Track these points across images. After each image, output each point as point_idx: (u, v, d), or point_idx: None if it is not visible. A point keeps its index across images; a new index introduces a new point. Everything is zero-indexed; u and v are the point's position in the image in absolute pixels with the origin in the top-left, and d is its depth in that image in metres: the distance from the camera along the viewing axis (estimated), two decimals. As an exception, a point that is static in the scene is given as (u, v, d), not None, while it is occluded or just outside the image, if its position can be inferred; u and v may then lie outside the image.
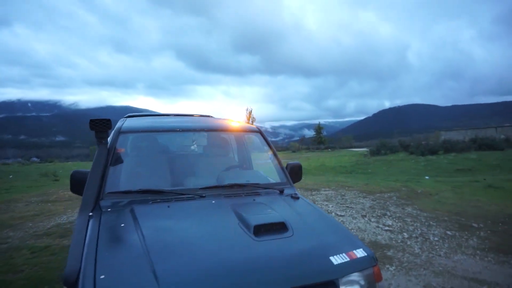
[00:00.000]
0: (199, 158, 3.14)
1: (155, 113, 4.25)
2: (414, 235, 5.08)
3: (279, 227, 1.94)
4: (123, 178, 2.55)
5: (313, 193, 8.53)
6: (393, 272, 3.84)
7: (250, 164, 3.50)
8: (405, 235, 5.09)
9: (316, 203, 7.07)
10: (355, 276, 1.74)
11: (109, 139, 2.71)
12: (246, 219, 2.00)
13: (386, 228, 5.43)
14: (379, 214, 6.15)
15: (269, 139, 3.21)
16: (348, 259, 1.77)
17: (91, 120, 2.45)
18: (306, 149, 48.59)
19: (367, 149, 28.06)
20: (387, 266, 4.00)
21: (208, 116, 4.68)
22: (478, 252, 4.46)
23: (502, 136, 23.72)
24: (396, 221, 5.78)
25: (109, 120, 2.48)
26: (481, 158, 14.33)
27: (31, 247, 4.70)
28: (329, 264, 1.72)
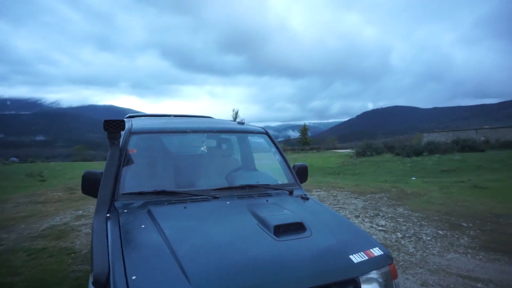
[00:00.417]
0: (208, 159, 3.18)
1: (156, 114, 4.26)
2: (407, 235, 5.24)
3: (298, 227, 2.01)
4: (136, 179, 2.57)
5: (306, 193, 8.63)
6: (391, 270, 3.96)
7: (253, 165, 3.56)
8: (399, 234, 5.25)
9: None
10: (373, 274, 1.82)
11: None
12: (264, 219, 2.06)
13: (380, 228, 5.58)
14: (372, 215, 6.30)
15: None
16: (367, 258, 1.85)
17: (105, 121, 2.46)
18: (291, 150, 48.90)
19: (352, 150, 28.49)
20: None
21: (209, 117, 4.71)
22: (469, 250, 4.64)
23: (482, 138, 24.51)
24: (389, 221, 5.94)
25: (123, 121, 2.50)
26: (465, 159, 14.78)
27: (27, 249, 4.63)
28: (349, 263, 1.79)
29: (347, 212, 6.60)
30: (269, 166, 3.16)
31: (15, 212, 7.01)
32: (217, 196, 2.44)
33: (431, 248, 4.72)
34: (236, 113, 47.04)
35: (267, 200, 2.51)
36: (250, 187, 2.65)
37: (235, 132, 3.29)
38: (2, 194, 9.60)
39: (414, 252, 4.57)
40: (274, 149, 3.16)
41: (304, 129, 61.81)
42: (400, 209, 6.63)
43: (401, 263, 4.17)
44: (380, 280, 1.84)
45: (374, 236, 5.17)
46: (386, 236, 5.20)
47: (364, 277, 1.78)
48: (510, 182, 9.57)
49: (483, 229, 5.45)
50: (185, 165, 3.00)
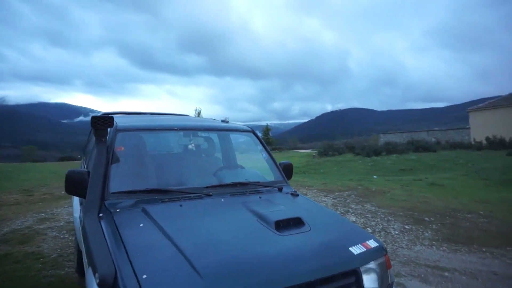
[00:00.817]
0: (196, 157, 3.16)
1: (133, 112, 4.15)
2: (377, 230, 5.51)
3: (296, 222, 2.07)
4: (126, 177, 2.51)
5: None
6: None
7: (236, 163, 3.56)
8: (369, 229, 5.50)
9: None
10: (372, 265, 1.93)
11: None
12: (263, 215, 2.10)
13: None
14: (342, 211, 6.55)
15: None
16: (365, 249, 1.96)
17: (93, 117, 2.38)
18: (255, 150, 49.13)
19: (313, 151, 29.25)
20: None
21: (185, 115, 4.66)
22: (433, 242, 4.98)
23: (433, 139, 26.20)
24: (359, 217, 6.20)
25: (111, 118, 2.44)
26: (419, 159, 15.74)
27: (-12, 256, 4.31)
28: (350, 254, 1.89)
29: (318, 209, 6.80)
30: (256, 164, 3.20)
31: (-33, 216, 6.46)
32: (210, 193, 2.45)
33: (399, 242, 5.01)
34: (199, 113, 46.54)
35: (260, 197, 2.55)
36: (241, 184, 2.68)
37: (222, 131, 3.30)
38: None
39: (385, 246, 4.82)
40: (260, 147, 3.20)
41: (266, 130, 62.50)
42: (368, 206, 6.94)
43: (374, 257, 4.39)
44: (378, 270, 1.95)
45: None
46: (358, 231, 5.43)
47: (364, 267, 1.88)
48: (461, 180, 10.35)
49: (444, 223, 5.86)
50: (174, 163, 2.97)
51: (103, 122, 2.39)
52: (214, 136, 3.36)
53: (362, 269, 1.86)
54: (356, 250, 1.93)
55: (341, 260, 1.85)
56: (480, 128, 25.36)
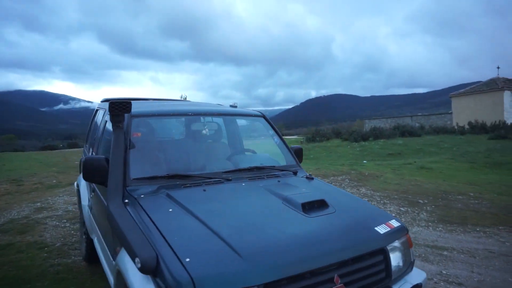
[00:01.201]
0: (210, 142, 3.16)
1: (136, 98, 4.09)
2: (374, 212, 5.66)
3: (321, 204, 2.12)
4: (144, 163, 2.51)
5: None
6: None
7: (243, 147, 3.55)
8: (367, 212, 5.65)
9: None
10: (396, 243, 2.01)
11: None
12: (288, 198, 2.15)
13: (349, 207, 5.96)
14: (339, 195, 6.69)
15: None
16: (389, 229, 2.03)
17: (111, 102, 2.35)
18: (241, 137, 49.08)
19: (300, 137, 29.45)
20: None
21: (186, 101, 4.62)
22: (429, 224, 5.16)
23: (417, 124, 26.77)
24: (355, 201, 6.35)
25: (129, 103, 2.40)
26: (406, 143, 16.09)
27: (-11, 247, 4.23)
28: (377, 234, 1.96)
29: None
30: (267, 148, 3.23)
31: (-42, 207, 6.29)
32: (230, 178, 2.47)
33: (397, 223, 5.17)
34: (185, 99, 46.10)
35: (278, 181, 2.59)
36: (258, 168, 2.71)
37: (235, 115, 3.31)
38: None
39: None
40: (272, 131, 3.23)
41: (252, 116, 62.45)
42: (363, 190, 7.11)
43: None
44: (402, 248, 2.03)
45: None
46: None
47: (391, 246, 1.96)
48: (448, 163, 10.67)
49: (437, 205, 6.07)
50: (189, 148, 2.97)
51: (120, 107, 2.36)
52: (226, 121, 3.36)
53: (389, 247, 1.94)
54: (381, 229, 2.00)
55: (369, 239, 1.92)
56: (462, 113, 26.05)
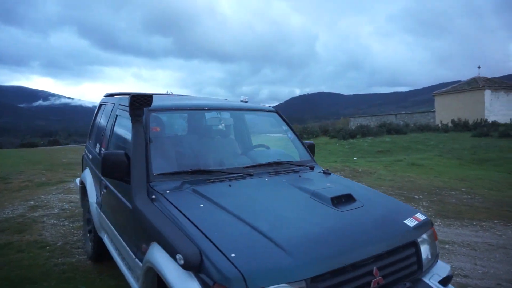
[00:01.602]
0: (227, 137, 3.15)
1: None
2: (373, 208, 5.76)
3: (348, 198, 2.14)
4: (165, 158, 2.47)
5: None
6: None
7: (250, 143, 3.53)
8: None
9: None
10: (425, 236, 2.05)
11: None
12: (315, 192, 2.15)
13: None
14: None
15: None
16: (417, 222, 2.07)
17: (133, 96, 2.29)
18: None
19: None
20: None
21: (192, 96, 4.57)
22: (428, 218, 5.28)
23: (401, 122, 27.30)
24: (353, 197, 6.44)
25: (151, 96, 2.36)
26: (394, 141, 16.40)
27: (-14, 246, 4.08)
28: (407, 227, 1.99)
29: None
30: (282, 144, 3.24)
31: None
32: (252, 173, 2.47)
33: (397, 219, 5.27)
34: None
35: (299, 176, 2.60)
36: (276, 164, 2.71)
37: (250, 111, 3.30)
38: None
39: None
40: (285, 127, 3.24)
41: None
42: (359, 186, 7.20)
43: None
44: (429, 241, 2.08)
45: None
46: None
47: (420, 239, 1.99)
48: (437, 160, 10.94)
49: (432, 200, 6.22)
50: (207, 143, 2.95)
51: (142, 100, 2.31)
52: (241, 116, 3.35)
53: (419, 240, 1.98)
54: (410, 223, 2.04)
55: (401, 232, 1.95)
56: (445, 111, 26.70)
